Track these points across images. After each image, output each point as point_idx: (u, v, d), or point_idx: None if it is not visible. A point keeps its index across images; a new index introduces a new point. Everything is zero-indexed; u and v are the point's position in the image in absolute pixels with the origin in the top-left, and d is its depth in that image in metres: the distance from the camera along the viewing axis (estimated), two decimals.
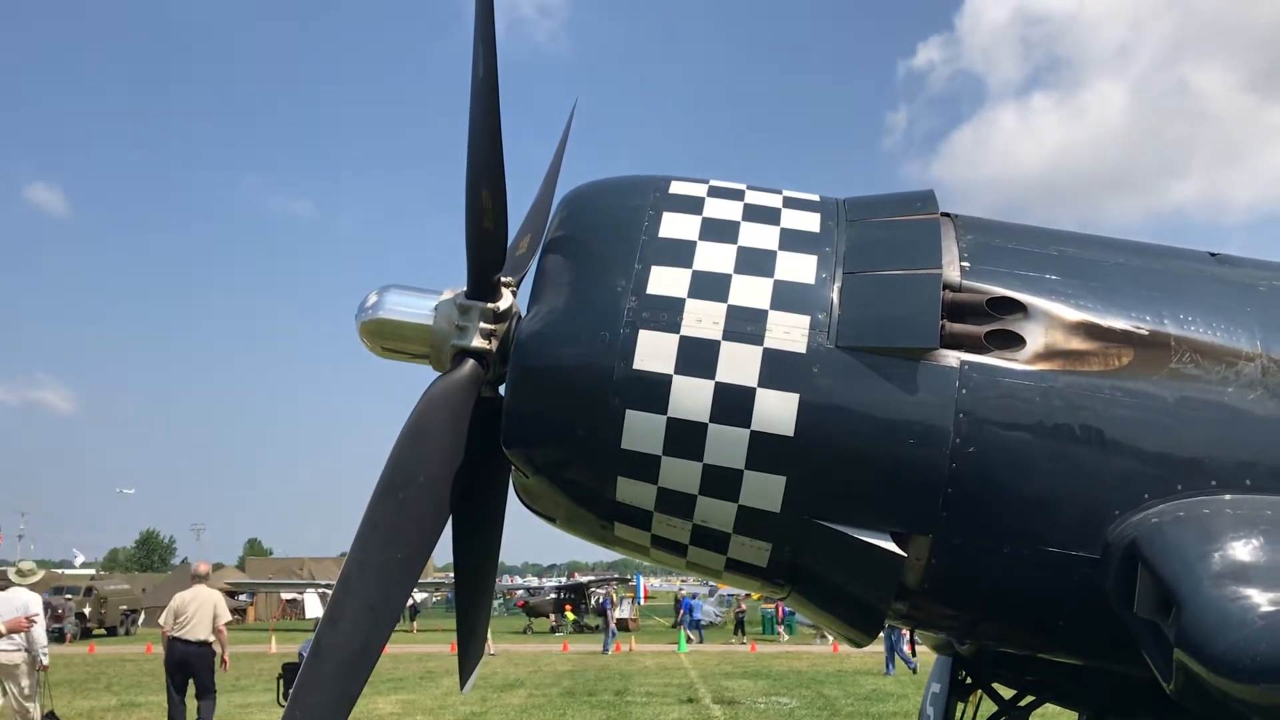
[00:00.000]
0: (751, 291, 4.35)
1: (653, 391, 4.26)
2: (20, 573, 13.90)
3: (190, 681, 13.97)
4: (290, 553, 76.68)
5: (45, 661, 13.08)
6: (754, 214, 4.62)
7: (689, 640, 39.77)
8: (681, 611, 44.87)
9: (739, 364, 4.24)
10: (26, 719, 13.03)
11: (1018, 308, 4.35)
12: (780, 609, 44.77)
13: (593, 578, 68.96)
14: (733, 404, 4.21)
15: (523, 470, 4.56)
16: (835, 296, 4.33)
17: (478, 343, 4.81)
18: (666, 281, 4.38)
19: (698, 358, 4.25)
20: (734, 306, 4.31)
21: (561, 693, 22.00)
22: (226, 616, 14.24)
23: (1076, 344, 4.30)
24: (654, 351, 4.26)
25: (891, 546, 4.22)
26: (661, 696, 21.15)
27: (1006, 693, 6.91)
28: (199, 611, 13.78)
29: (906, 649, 24.90)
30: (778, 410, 4.20)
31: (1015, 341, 4.29)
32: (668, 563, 4.86)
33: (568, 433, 4.42)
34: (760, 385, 4.22)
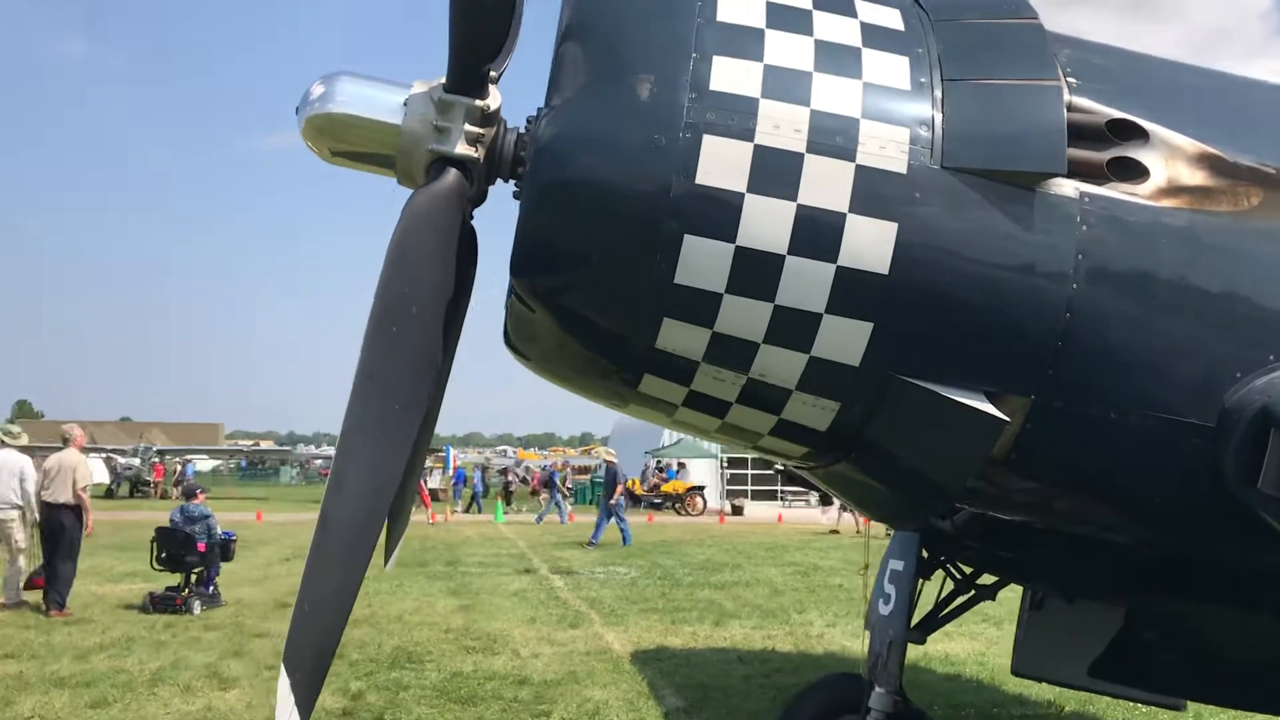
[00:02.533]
0: (838, 95, 3.52)
1: (719, 213, 3.42)
2: (10, 434, 14.41)
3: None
4: (64, 416, 72.03)
5: (36, 516, 13.72)
6: (825, 2, 3.75)
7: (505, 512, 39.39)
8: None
9: (826, 183, 3.44)
10: (18, 574, 13.99)
11: (1138, 133, 3.67)
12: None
13: None
14: (817, 232, 3.43)
15: (529, 303, 3.66)
16: (936, 108, 3.56)
17: (462, 149, 3.84)
18: (734, 76, 3.50)
19: (776, 173, 3.43)
20: (819, 112, 3.49)
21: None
22: (86, 480, 14.01)
23: (1202, 179, 3.67)
24: (722, 162, 3.42)
25: (991, 409, 3.57)
26: (496, 567, 20.62)
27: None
28: (60, 474, 13.69)
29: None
30: (871, 242, 3.44)
31: (1138, 172, 3.63)
32: (689, 425, 4.09)
33: (604, 261, 3.54)
34: (851, 211, 3.44)
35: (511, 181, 4.04)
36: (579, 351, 3.81)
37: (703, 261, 3.46)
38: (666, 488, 43.28)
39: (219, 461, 76.32)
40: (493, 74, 3.90)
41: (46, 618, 13.22)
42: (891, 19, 3.78)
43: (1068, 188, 3.54)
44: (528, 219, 3.56)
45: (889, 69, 3.62)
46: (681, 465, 46.63)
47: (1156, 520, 3.82)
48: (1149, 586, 5.10)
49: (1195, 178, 3.67)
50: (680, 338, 3.59)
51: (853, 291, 3.47)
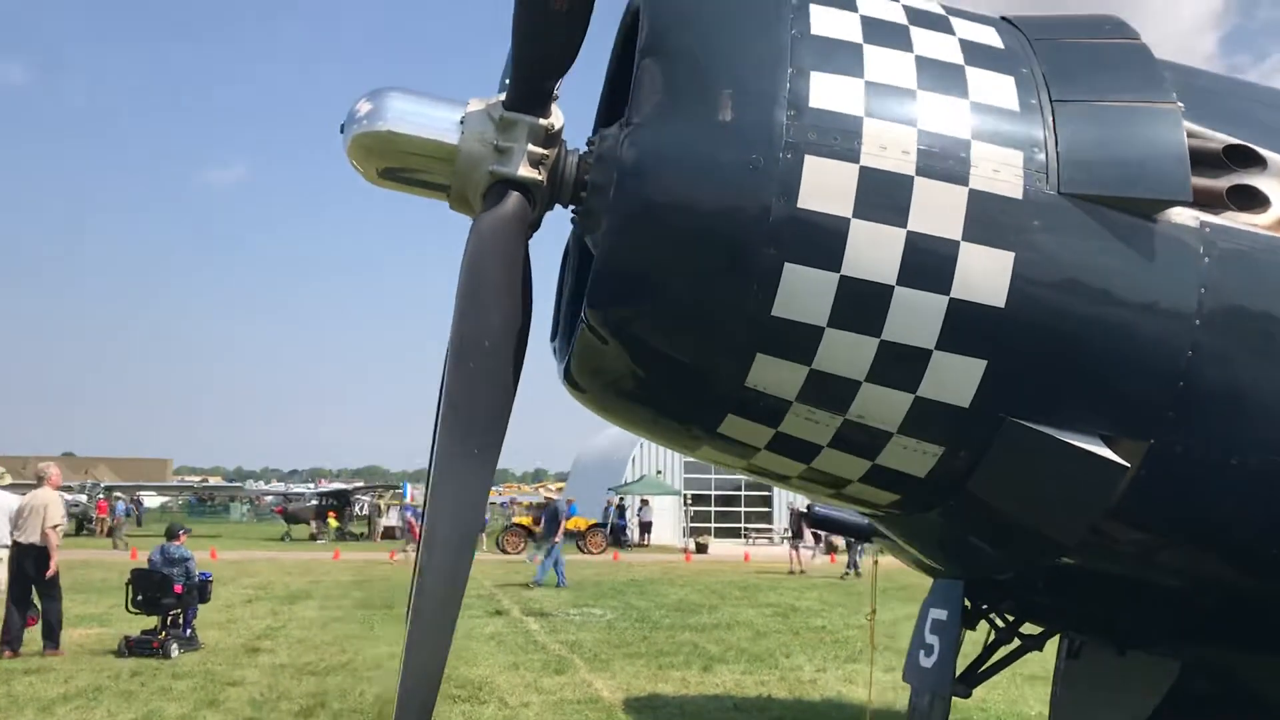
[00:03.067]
0: (945, 115, 3.26)
1: (823, 239, 3.14)
2: None
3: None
4: (3, 451, 70.10)
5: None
6: (920, 18, 3.50)
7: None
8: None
9: (938, 209, 3.17)
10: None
11: (1256, 160, 3.44)
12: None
13: (359, 484, 66.76)
14: (929, 261, 3.15)
15: (604, 336, 3.36)
16: (1049, 130, 3.30)
17: (525, 171, 3.55)
18: (834, 93, 3.23)
19: (884, 197, 3.15)
20: (927, 133, 3.22)
21: (356, 604, 20.59)
22: (56, 519, 13.44)
23: None
24: (826, 185, 3.14)
25: (1111, 455, 3.30)
26: (466, 609, 20.01)
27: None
28: (33, 514, 13.27)
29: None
30: (986, 273, 3.17)
31: (1259, 201, 3.39)
32: (767, 471, 3.78)
33: (695, 292, 3.24)
34: (965, 239, 3.17)
35: (571, 208, 3.77)
36: (658, 390, 3.51)
37: (804, 292, 3.18)
38: (569, 525, 41.04)
39: (167, 498, 74.68)
40: (555, 92, 3.63)
41: (42, 657, 12.92)
42: (989, 37, 3.55)
43: (1188, 217, 3.30)
44: (611, 245, 3.26)
45: (995, 88, 3.37)
46: (645, 502, 46.24)
47: (1272, 571, 3.56)
48: (1216, 636, 4.84)
49: None
50: (773, 375, 3.30)
51: (966, 326, 3.20)
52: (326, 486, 68.00)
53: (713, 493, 48.42)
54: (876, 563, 9.99)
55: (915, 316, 3.19)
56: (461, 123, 3.60)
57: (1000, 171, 3.23)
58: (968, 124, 3.28)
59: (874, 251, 3.16)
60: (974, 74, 3.39)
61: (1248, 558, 3.60)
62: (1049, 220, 3.22)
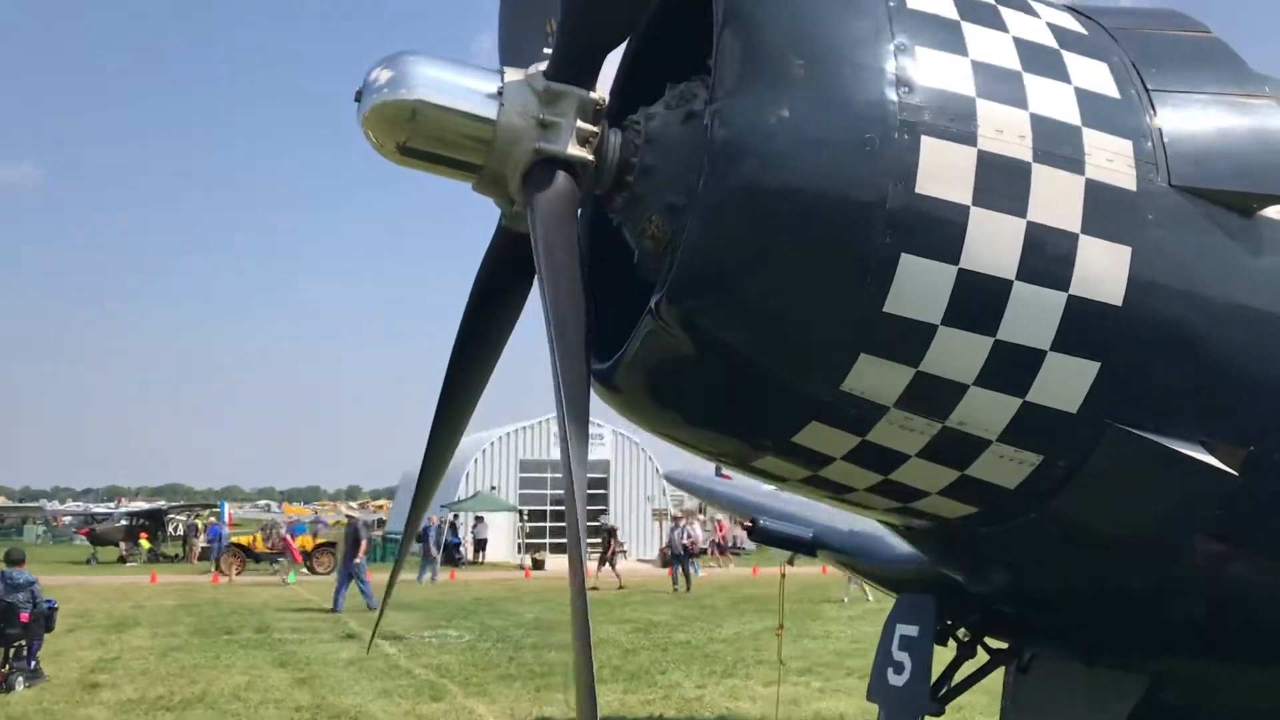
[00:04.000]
0: (1054, 99, 3.04)
1: (942, 229, 2.86)
2: None
3: None
4: None
5: None
6: (974, 6, 3.27)
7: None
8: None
9: (1057, 198, 2.94)
10: None
11: None
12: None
13: (175, 503, 63.27)
14: (1049, 255, 2.92)
15: (682, 335, 3.01)
16: (1151, 119, 3.12)
17: (574, 149, 3.18)
18: (943, 71, 2.96)
19: (1003, 184, 2.90)
20: (1039, 117, 2.99)
21: (192, 631, 19.29)
22: None
23: None
24: (944, 169, 2.87)
25: (1218, 463, 3.14)
26: (314, 633, 19.11)
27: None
28: None
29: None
30: (1105, 268, 2.95)
31: None
32: (833, 484, 3.45)
33: (800, 285, 2.92)
34: (1084, 231, 2.95)
35: (617, 193, 3.39)
36: (733, 394, 3.16)
37: (920, 286, 2.89)
38: (298, 543, 39.21)
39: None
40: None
41: None
42: (1070, 22, 3.35)
43: None
44: (704, 233, 2.90)
45: (1094, 74, 3.18)
46: (480, 519, 45.37)
47: None
48: (1197, 647, 4.79)
49: None
50: (874, 378, 3.00)
51: (1083, 325, 2.97)
52: (134, 506, 64.29)
53: (548, 508, 47.94)
54: (784, 576, 9.84)
55: (1032, 314, 2.95)
56: (499, 94, 3.19)
57: (1114, 161, 3.03)
58: (1076, 110, 3.06)
59: (994, 243, 2.90)
60: (1071, 58, 3.18)
61: None
62: (1162, 214, 3.03)
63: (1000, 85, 3.01)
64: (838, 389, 3.03)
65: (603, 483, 48.75)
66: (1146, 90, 3.19)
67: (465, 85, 3.19)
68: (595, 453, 49.10)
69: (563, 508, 3.04)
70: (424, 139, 3.16)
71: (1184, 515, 3.24)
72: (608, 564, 32.70)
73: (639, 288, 3.72)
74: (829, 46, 2.96)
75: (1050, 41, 3.20)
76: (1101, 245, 2.96)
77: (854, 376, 2.99)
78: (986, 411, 3.06)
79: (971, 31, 3.09)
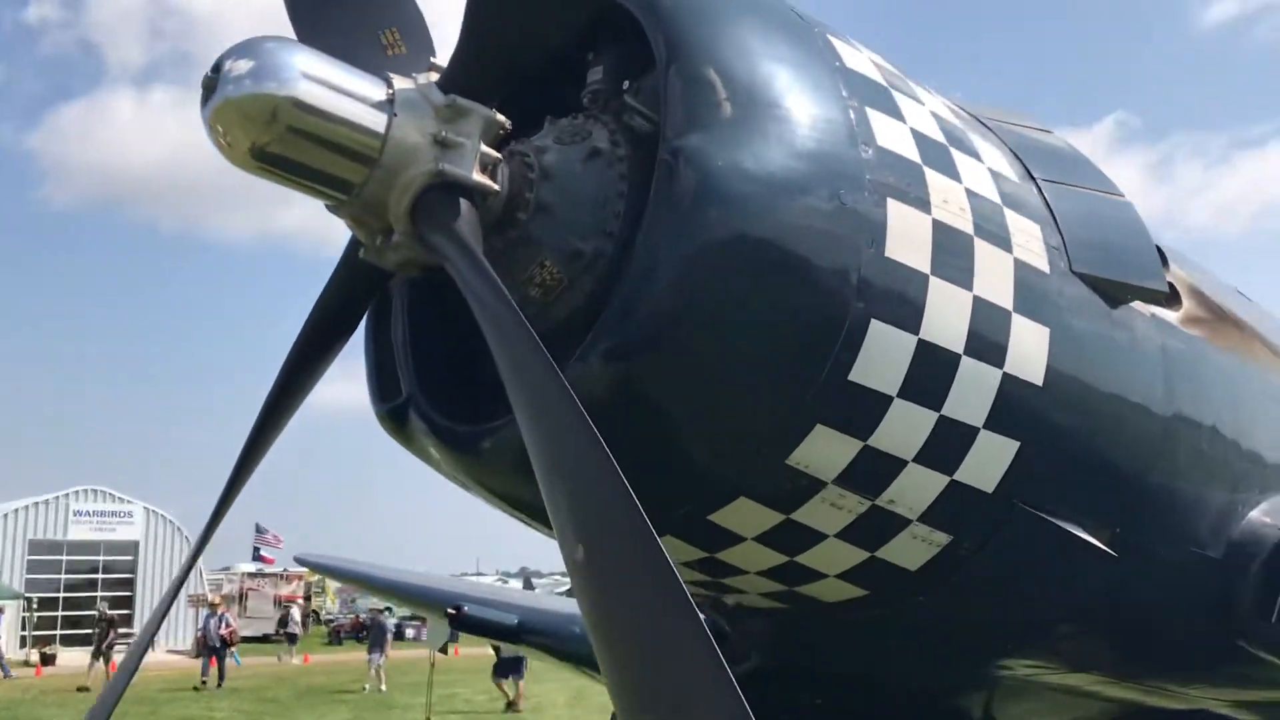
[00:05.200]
0: (977, 176, 3.09)
1: (907, 296, 2.77)
2: None
3: None
4: None
5: None
6: (901, 77, 3.27)
7: None
8: None
9: (995, 274, 2.96)
10: None
11: (1163, 258, 3.64)
12: None
13: None
14: (990, 330, 2.92)
15: (617, 394, 2.65)
16: (1047, 207, 3.22)
17: (479, 176, 2.77)
18: (893, 134, 2.92)
19: (954, 255, 2.88)
20: (971, 191, 3.01)
21: None
22: None
23: (1200, 310, 3.72)
24: (907, 235, 2.79)
25: (1097, 543, 3.22)
26: None
27: None
28: None
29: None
30: (1031, 348, 3.00)
31: (1177, 298, 3.60)
32: (726, 566, 3.15)
33: (765, 349, 2.67)
34: (1015, 310, 2.96)
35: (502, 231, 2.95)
36: (659, 466, 2.78)
37: (884, 355, 2.73)
38: None
39: None
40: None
41: None
42: (955, 107, 3.39)
43: (1145, 309, 3.37)
44: (673, 285, 2.55)
45: (997, 158, 3.23)
46: None
47: (1172, 662, 3.69)
48: None
49: (1198, 309, 3.70)
50: (823, 451, 2.78)
51: (1012, 404, 2.95)
52: None
53: (61, 595, 42.59)
54: (433, 665, 9.23)
55: (974, 390, 2.88)
56: (389, 102, 2.68)
57: (1030, 243, 3.07)
58: (994, 189, 3.08)
59: (948, 315, 2.81)
60: (976, 139, 3.21)
61: (1150, 647, 3.68)
62: (1068, 299, 3.11)
63: (936, 155, 2.96)
64: (783, 462, 2.77)
65: (131, 565, 44.10)
66: (1034, 178, 3.28)
67: (349, 87, 2.64)
68: (123, 532, 44.45)
69: (78, 594, 2.49)
70: (289, 145, 2.57)
71: (1077, 600, 3.30)
72: (101, 658, 28.85)
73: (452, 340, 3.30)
74: (790, 91, 2.76)
75: (956, 120, 3.21)
76: (1029, 325, 2.97)
77: (804, 449, 2.75)
78: (917, 490, 2.93)
79: (901, 100, 3.03)
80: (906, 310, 2.74)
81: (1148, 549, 3.37)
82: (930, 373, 2.80)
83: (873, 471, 2.86)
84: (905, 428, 2.82)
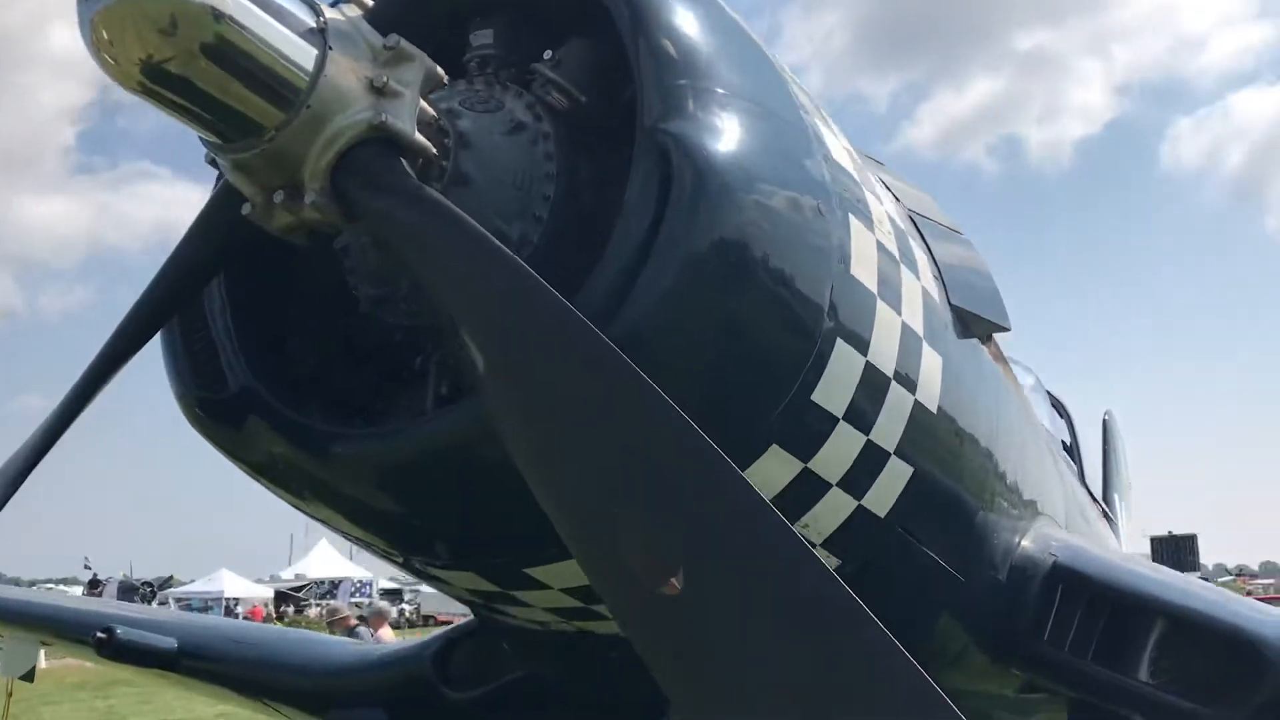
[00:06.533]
0: (888, 203, 3.13)
1: (861, 316, 2.77)
2: None
3: None
4: None
5: None
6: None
7: None
8: None
9: (912, 300, 3.07)
10: None
11: None
12: None
13: None
14: (910, 357, 3.03)
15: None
16: (923, 238, 3.33)
17: (419, 135, 2.42)
18: (837, 149, 2.91)
19: (890, 278, 2.95)
20: (890, 217, 3.09)
21: None
22: None
23: (998, 349, 4.00)
24: (863, 253, 2.84)
25: (949, 568, 3.34)
26: None
27: None
28: None
29: None
30: (932, 375, 3.14)
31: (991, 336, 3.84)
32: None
33: (744, 359, 2.51)
34: (924, 337, 3.03)
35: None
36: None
37: (840, 377, 2.64)
38: None
39: None
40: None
41: None
42: None
43: (984, 344, 3.55)
44: (672, 286, 2.30)
45: (876, 183, 3.24)
46: None
47: (972, 681, 3.87)
48: None
49: (997, 347, 3.94)
50: (769, 472, 2.63)
51: (916, 430, 2.96)
52: None
53: None
54: (10, 695, 7.91)
55: (894, 415, 2.86)
56: (321, 33, 2.24)
57: (927, 271, 3.11)
58: (899, 214, 3.10)
59: (886, 338, 2.78)
60: (872, 174, 3.21)
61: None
62: (952, 329, 3.19)
63: (864, 177, 2.92)
64: None
65: None
66: (909, 212, 3.34)
67: (278, 3, 2.16)
68: None
69: None
70: (194, 68, 2.06)
71: (923, 620, 3.36)
72: None
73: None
74: (759, 83, 2.61)
75: (856, 156, 3.19)
76: (930, 352, 3.00)
77: (754, 468, 2.59)
78: (830, 514, 2.86)
79: (823, 121, 2.94)
80: (861, 332, 2.66)
81: (978, 573, 3.52)
82: (868, 396, 2.73)
83: (801, 495, 2.74)
84: (840, 451, 2.73)
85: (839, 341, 2.57)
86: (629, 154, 2.41)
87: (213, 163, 2.42)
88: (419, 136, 2.33)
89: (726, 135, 2.39)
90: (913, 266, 2.96)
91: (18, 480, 2.57)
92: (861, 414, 2.72)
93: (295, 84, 2.14)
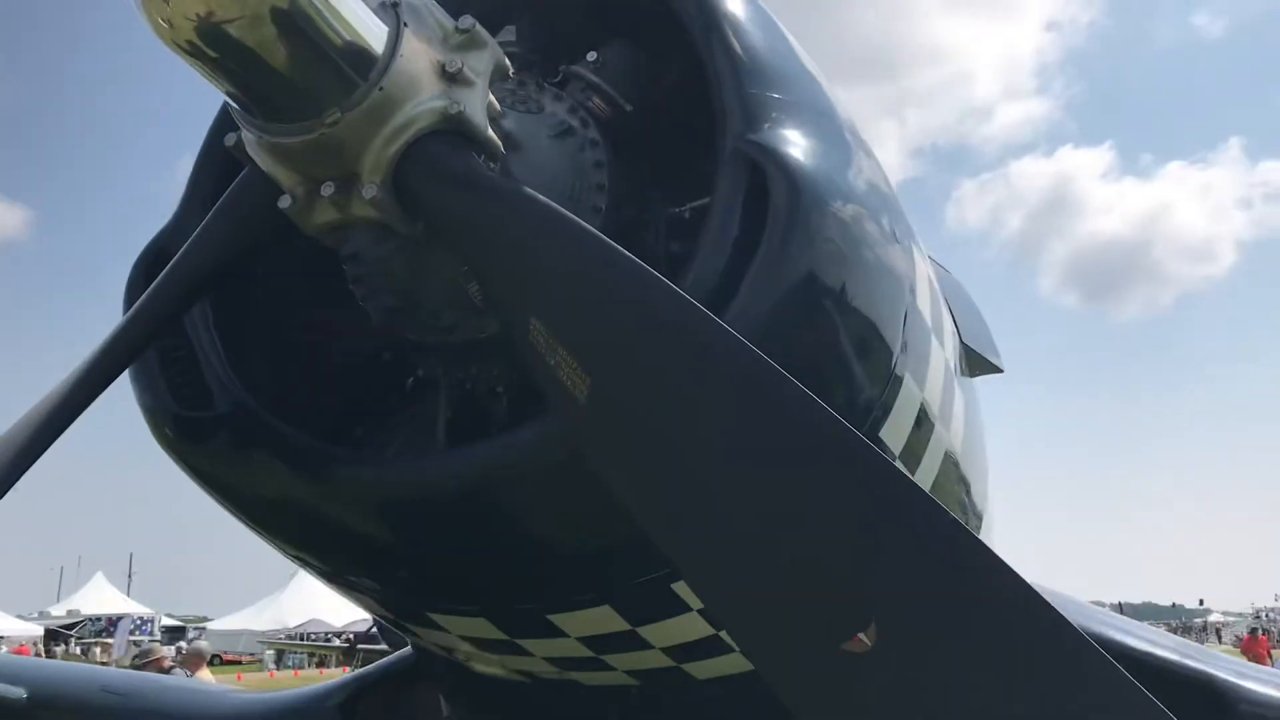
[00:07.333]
0: (920, 249, 3.02)
1: (920, 350, 2.66)
2: None
3: None
4: None
5: None
6: None
7: None
8: None
9: (948, 337, 2.97)
10: None
11: None
12: None
13: None
14: (948, 395, 2.95)
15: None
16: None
17: (488, 130, 2.22)
18: (876, 175, 2.74)
19: (937, 313, 2.82)
20: (928, 254, 2.94)
21: None
22: None
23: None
24: (924, 285, 2.73)
25: None
26: None
27: None
28: None
29: None
30: (959, 416, 3.03)
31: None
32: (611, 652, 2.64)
33: (824, 389, 2.30)
34: (956, 374, 2.98)
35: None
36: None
37: (902, 412, 2.52)
38: None
39: None
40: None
41: None
42: None
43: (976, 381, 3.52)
44: (770, 313, 2.12)
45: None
46: None
47: None
48: None
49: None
50: None
51: (944, 473, 2.87)
52: None
53: None
54: None
55: (934, 456, 2.76)
56: (394, 9, 2.00)
57: (941, 309, 3.04)
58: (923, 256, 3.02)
59: (936, 375, 2.68)
60: None
61: None
62: (965, 370, 3.13)
63: (905, 217, 2.82)
64: None
65: None
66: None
67: None
68: None
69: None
70: (258, 35, 1.80)
71: None
72: None
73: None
74: (815, 93, 2.47)
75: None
76: (958, 391, 2.93)
77: None
78: None
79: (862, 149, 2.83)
80: (920, 367, 2.55)
81: None
82: (919, 435, 2.63)
83: None
84: None
85: (907, 376, 2.45)
86: (662, 161, 2.26)
87: (233, 149, 2.12)
88: (491, 132, 2.09)
89: (811, 148, 2.25)
90: (945, 303, 2.89)
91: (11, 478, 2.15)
92: (913, 454, 2.61)
93: (366, 62, 1.89)
